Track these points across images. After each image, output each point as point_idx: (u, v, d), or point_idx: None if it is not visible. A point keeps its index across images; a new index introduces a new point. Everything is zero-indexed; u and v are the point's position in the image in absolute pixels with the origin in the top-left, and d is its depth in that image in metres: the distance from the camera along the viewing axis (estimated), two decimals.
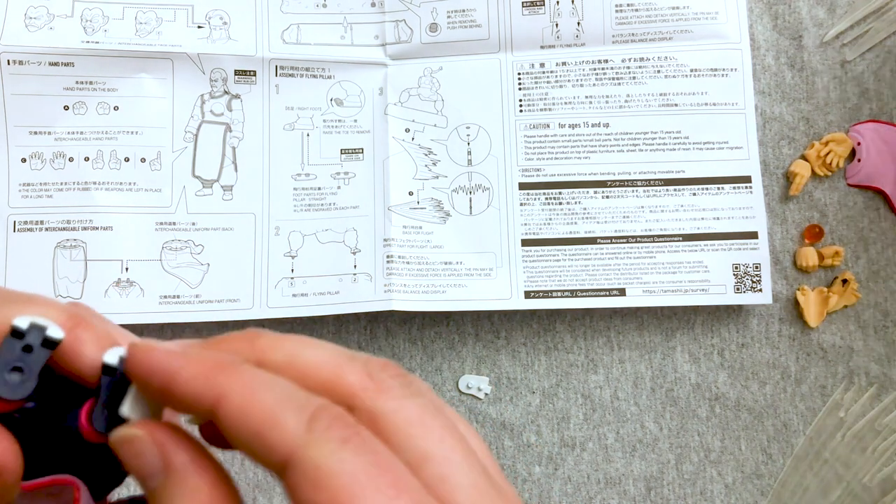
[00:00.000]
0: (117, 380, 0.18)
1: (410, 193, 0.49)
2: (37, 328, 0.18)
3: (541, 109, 0.49)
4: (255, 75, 0.48)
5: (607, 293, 0.47)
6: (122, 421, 0.18)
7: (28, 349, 0.18)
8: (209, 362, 0.17)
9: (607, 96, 0.49)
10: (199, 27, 0.48)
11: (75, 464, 0.19)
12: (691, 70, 0.48)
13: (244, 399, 0.16)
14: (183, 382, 0.17)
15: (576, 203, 0.48)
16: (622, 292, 0.47)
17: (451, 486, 0.16)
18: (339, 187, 0.49)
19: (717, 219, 0.48)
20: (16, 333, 0.18)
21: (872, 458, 0.47)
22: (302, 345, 0.18)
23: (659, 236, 0.48)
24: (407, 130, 0.49)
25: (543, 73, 0.49)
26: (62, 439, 0.19)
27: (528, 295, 0.47)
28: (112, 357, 0.18)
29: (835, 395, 0.48)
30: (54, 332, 0.18)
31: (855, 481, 0.47)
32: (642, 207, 0.48)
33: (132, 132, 0.48)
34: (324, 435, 0.16)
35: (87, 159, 0.47)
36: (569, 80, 0.49)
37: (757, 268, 0.47)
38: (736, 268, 0.47)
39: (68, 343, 0.19)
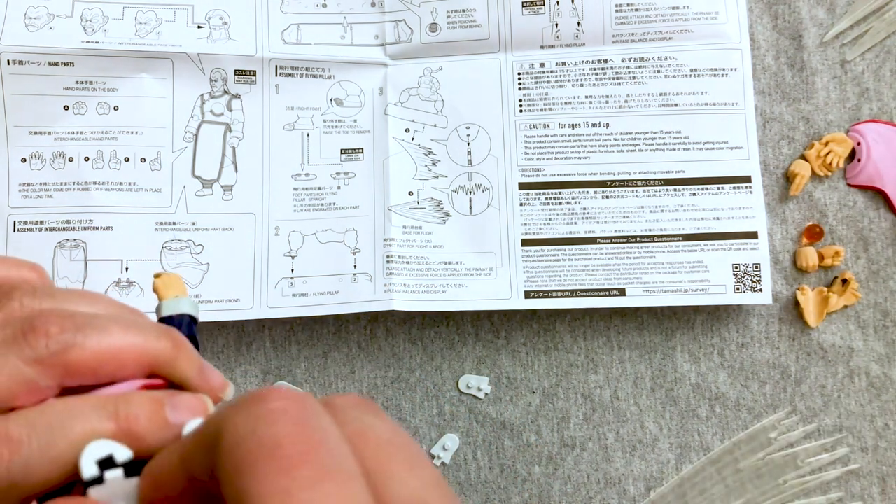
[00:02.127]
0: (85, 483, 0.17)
1: (410, 193, 0.49)
2: (105, 462, 0.17)
3: (541, 109, 0.49)
4: (255, 75, 0.48)
5: (607, 293, 0.47)
6: None
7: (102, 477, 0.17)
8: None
9: (607, 96, 0.49)
10: (199, 27, 0.48)
11: None
12: (691, 70, 0.48)
13: None
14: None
15: (576, 203, 0.48)
16: (622, 292, 0.47)
17: None
18: (339, 187, 0.49)
19: (717, 219, 0.48)
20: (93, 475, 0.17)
21: (782, 489, 0.47)
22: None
23: (659, 236, 0.48)
24: (407, 130, 0.49)
25: (543, 73, 0.49)
26: None
27: (528, 295, 0.47)
28: (89, 465, 0.17)
29: (774, 417, 0.48)
30: (122, 456, 0.17)
31: (756, 502, 0.47)
32: (642, 207, 0.48)
33: (132, 132, 0.48)
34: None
35: (87, 159, 0.47)
36: (569, 80, 0.49)
37: (757, 268, 0.47)
38: (736, 268, 0.47)
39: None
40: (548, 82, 0.49)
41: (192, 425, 0.18)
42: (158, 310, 0.20)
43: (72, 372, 0.18)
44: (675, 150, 0.48)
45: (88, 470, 0.17)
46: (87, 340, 0.19)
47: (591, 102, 0.49)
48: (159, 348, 0.20)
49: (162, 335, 0.21)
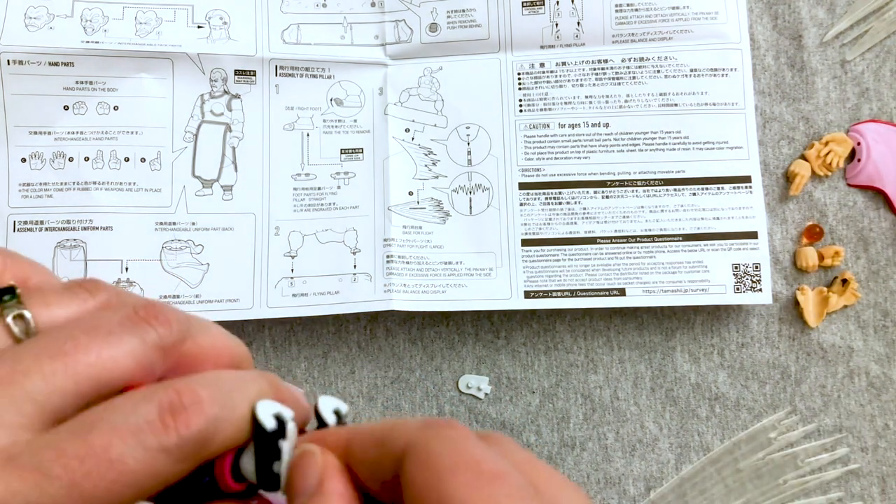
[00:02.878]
0: (269, 434, 0.18)
1: (410, 193, 0.49)
2: (280, 419, 0.19)
3: (541, 109, 0.49)
4: (254, 75, 0.48)
5: (607, 293, 0.47)
6: (269, 473, 0.18)
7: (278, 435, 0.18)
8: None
9: (607, 96, 0.49)
10: (199, 27, 0.48)
11: None
12: (691, 70, 0.48)
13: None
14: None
15: (576, 203, 0.48)
16: (622, 292, 0.47)
17: None
18: (339, 187, 0.49)
19: (717, 219, 0.48)
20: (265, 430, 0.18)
21: (782, 489, 0.47)
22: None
23: (659, 236, 0.48)
24: (407, 130, 0.49)
25: (543, 73, 0.49)
26: (198, 491, 0.18)
27: (528, 295, 0.47)
28: (269, 420, 0.18)
29: (774, 417, 0.48)
30: (287, 415, 0.19)
31: (755, 502, 0.47)
32: (642, 207, 0.48)
33: (132, 132, 0.48)
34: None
35: (87, 159, 0.47)
36: (569, 80, 0.49)
37: (757, 268, 0.47)
38: (736, 268, 0.47)
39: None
40: (548, 82, 0.49)
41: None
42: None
43: (182, 362, 0.19)
44: (675, 150, 0.48)
45: (269, 423, 0.18)
46: (199, 335, 0.20)
47: (591, 102, 0.49)
48: (243, 352, 0.22)
49: (240, 342, 0.22)
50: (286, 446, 0.18)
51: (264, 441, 0.18)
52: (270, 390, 0.20)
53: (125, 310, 0.19)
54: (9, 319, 0.18)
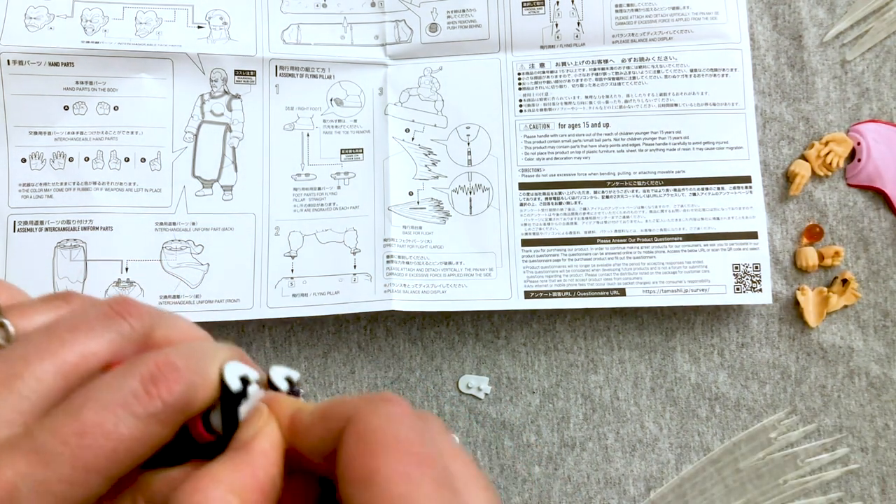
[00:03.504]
0: (234, 394, 0.20)
1: (410, 193, 0.49)
2: (244, 380, 0.20)
3: (541, 109, 0.49)
4: (255, 75, 0.48)
5: (607, 293, 0.47)
6: (233, 428, 0.20)
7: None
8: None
9: (607, 96, 0.49)
10: (199, 27, 0.48)
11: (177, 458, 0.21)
12: (691, 70, 0.48)
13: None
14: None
15: (576, 203, 0.48)
16: (622, 292, 0.47)
17: None
18: (339, 187, 0.49)
19: (717, 219, 0.48)
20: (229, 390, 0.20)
21: (782, 489, 0.47)
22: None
23: (659, 236, 0.48)
24: (407, 130, 0.49)
25: (543, 73, 0.49)
26: (175, 443, 0.20)
27: (528, 295, 0.47)
28: (234, 382, 0.20)
29: (774, 417, 0.48)
30: (253, 376, 0.20)
31: (755, 502, 0.47)
32: (642, 207, 0.48)
33: (132, 132, 0.48)
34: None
35: (87, 159, 0.47)
36: (569, 80, 0.49)
37: (757, 268, 0.47)
38: (736, 268, 0.47)
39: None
40: (548, 82, 0.49)
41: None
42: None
43: (153, 349, 0.21)
44: (675, 150, 0.48)
45: (234, 384, 0.20)
46: (167, 326, 0.22)
47: (591, 102, 0.49)
48: (207, 339, 0.23)
49: (206, 333, 0.24)
50: (244, 407, 0.20)
51: (229, 400, 0.20)
52: (238, 357, 0.21)
53: (100, 307, 0.20)
54: None
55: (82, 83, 0.47)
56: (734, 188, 0.48)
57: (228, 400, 0.20)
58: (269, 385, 0.22)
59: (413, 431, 0.18)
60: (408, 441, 0.18)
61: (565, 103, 0.49)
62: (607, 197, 0.48)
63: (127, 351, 0.20)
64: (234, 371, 0.20)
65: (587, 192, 0.48)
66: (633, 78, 0.49)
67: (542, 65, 0.49)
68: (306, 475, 0.21)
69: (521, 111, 0.49)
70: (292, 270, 0.47)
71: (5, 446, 0.17)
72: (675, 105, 0.48)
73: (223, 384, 0.20)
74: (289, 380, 0.22)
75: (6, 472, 0.17)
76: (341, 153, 0.49)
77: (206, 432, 0.20)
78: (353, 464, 0.17)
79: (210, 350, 0.20)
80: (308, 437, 0.20)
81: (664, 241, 0.48)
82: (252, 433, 0.19)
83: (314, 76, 0.49)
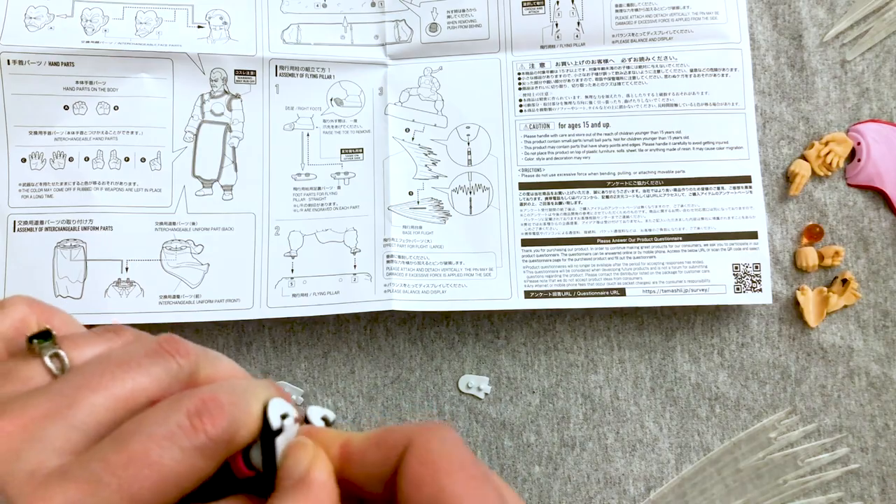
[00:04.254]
0: (274, 431, 0.21)
1: (410, 193, 0.49)
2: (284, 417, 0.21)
3: (541, 109, 0.49)
4: (255, 75, 0.48)
5: (607, 293, 0.47)
6: (272, 464, 0.20)
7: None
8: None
9: (607, 96, 0.49)
10: (199, 27, 0.48)
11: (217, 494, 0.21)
12: (691, 70, 0.48)
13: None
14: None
15: (576, 203, 0.48)
16: (622, 292, 0.47)
17: None
18: (339, 187, 0.49)
19: (717, 219, 0.48)
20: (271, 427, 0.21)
21: (782, 489, 0.47)
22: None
23: (659, 236, 0.48)
24: (407, 130, 0.49)
25: (543, 72, 0.49)
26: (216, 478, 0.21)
27: (528, 295, 0.47)
28: (276, 419, 0.21)
29: (774, 417, 0.48)
30: (292, 413, 0.21)
31: (755, 502, 0.47)
32: (642, 207, 0.48)
33: (132, 132, 0.48)
34: None
35: (87, 159, 0.47)
36: (569, 80, 0.49)
37: (757, 268, 0.47)
38: (736, 268, 0.47)
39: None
40: (548, 82, 0.49)
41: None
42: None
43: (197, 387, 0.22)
44: (675, 150, 0.48)
45: (276, 422, 0.20)
46: (212, 365, 0.23)
47: (591, 102, 0.49)
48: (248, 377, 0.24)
49: (246, 372, 0.24)
50: (281, 439, 0.20)
51: (269, 436, 0.20)
52: (278, 394, 0.22)
53: (149, 344, 0.21)
54: (46, 358, 0.21)
55: (82, 83, 0.47)
56: (734, 188, 0.48)
57: (268, 436, 0.20)
58: (306, 422, 0.22)
59: (469, 454, 0.19)
60: (468, 462, 0.19)
61: (565, 103, 0.49)
62: (607, 197, 0.48)
63: (174, 388, 0.21)
64: (276, 408, 0.21)
65: (587, 191, 0.48)
66: (633, 78, 0.49)
67: (542, 65, 0.49)
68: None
69: (521, 111, 0.49)
70: (292, 270, 0.47)
71: (56, 474, 0.18)
72: (675, 105, 0.48)
73: (265, 421, 0.20)
74: (325, 419, 0.23)
75: (57, 499, 0.17)
76: (341, 153, 0.49)
77: (245, 468, 0.20)
78: (420, 485, 0.18)
79: (252, 388, 0.21)
80: (363, 465, 0.20)
81: (664, 241, 0.48)
82: (304, 466, 0.20)
83: (314, 76, 0.49)
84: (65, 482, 0.17)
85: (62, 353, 0.21)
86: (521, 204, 0.48)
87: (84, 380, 0.19)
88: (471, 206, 0.49)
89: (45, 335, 0.21)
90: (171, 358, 0.21)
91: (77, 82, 0.47)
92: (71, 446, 0.18)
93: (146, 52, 0.47)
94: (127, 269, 0.47)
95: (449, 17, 0.49)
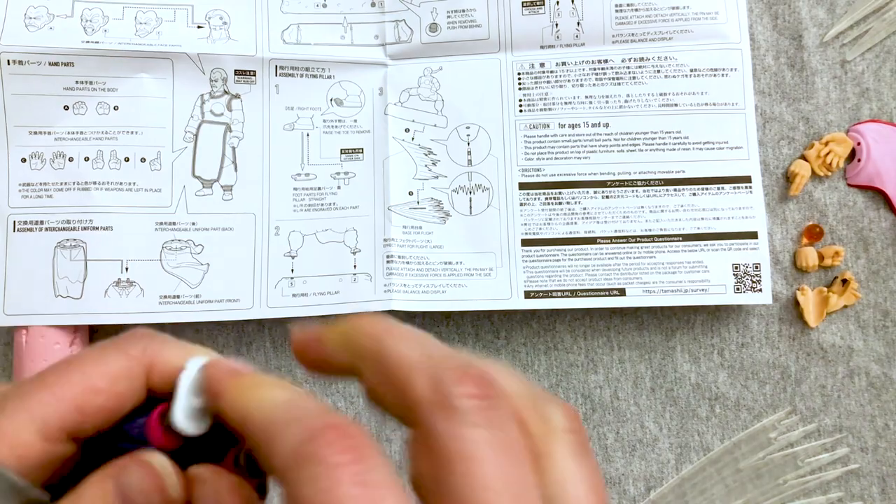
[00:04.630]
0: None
1: (410, 193, 0.49)
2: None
3: (541, 109, 0.49)
4: (255, 75, 0.48)
5: (607, 293, 0.47)
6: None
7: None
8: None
9: (607, 96, 0.49)
10: (199, 27, 0.48)
11: None
12: (691, 70, 0.48)
13: (243, 405, 0.18)
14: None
15: (576, 203, 0.48)
16: (622, 292, 0.47)
17: None
18: (339, 187, 0.49)
19: (717, 219, 0.48)
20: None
21: (782, 489, 0.47)
22: (394, 338, 0.19)
23: (659, 236, 0.48)
24: (407, 130, 0.49)
25: (543, 73, 0.49)
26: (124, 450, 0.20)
27: (528, 295, 0.47)
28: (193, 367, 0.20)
29: (774, 417, 0.48)
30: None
31: (755, 502, 0.47)
32: (642, 207, 0.48)
33: (132, 132, 0.48)
34: (315, 456, 0.16)
35: (87, 159, 0.47)
36: (569, 80, 0.49)
37: (757, 268, 0.47)
38: (736, 268, 0.47)
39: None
40: (548, 82, 0.49)
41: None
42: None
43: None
44: (675, 150, 0.48)
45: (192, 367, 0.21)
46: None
47: (591, 102, 0.49)
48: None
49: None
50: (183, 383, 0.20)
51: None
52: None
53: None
54: None
55: (82, 83, 0.47)
56: (734, 188, 0.48)
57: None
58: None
59: (358, 490, 0.18)
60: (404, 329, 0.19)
61: (565, 103, 0.49)
62: (607, 197, 0.48)
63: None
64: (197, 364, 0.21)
65: (587, 192, 0.48)
66: (633, 78, 0.49)
67: (542, 65, 0.49)
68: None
69: (521, 111, 0.49)
70: (292, 270, 0.47)
71: None
72: (675, 105, 0.48)
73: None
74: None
75: None
76: (341, 153, 0.49)
77: (163, 431, 0.20)
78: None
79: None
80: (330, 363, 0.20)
81: (664, 241, 0.48)
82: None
83: (314, 76, 0.49)
84: None
85: None
86: (521, 204, 0.48)
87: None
88: (471, 207, 0.49)
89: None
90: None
91: (77, 82, 0.47)
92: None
93: (146, 52, 0.47)
94: (127, 269, 0.47)
95: (449, 17, 0.49)
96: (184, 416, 0.20)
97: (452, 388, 0.17)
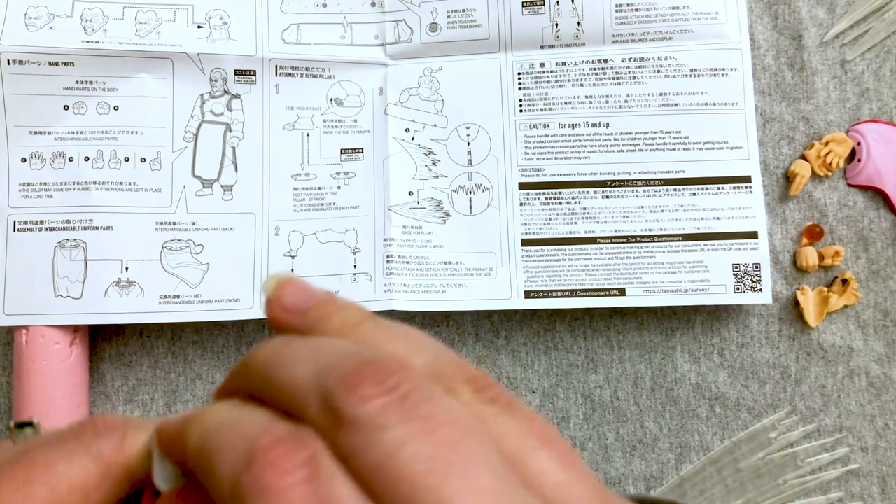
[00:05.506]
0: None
1: (410, 193, 0.49)
2: None
3: (541, 109, 0.49)
4: (255, 75, 0.48)
5: (607, 293, 0.47)
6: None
7: None
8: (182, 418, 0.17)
9: (607, 96, 0.49)
10: (199, 27, 0.48)
11: None
12: (691, 70, 0.48)
13: (185, 443, 0.16)
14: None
15: (576, 203, 0.48)
16: (622, 292, 0.47)
17: None
18: (339, 187, 0.49)
19: (717, 219, 0.48)
20: None
21: (782, 489, 0.47)
22: (283, 363, 0.16)
23: (659, 236, 0.48)
24: (407, 130, 0.49)
25: (543, 73, 0.49)
26: None
27: (528, 295, 0.47)
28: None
29: (774, 417, 0.48)
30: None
31: (755, 502, 0.47)
32: (642, 207, 0.48)
33: (132, 132, 0.48)
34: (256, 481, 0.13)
35: (87, 159, 0.47)
36: (569, 80, 0.49)
37: (757, 268, 0.47)
38: (736, 268, 0.47)
39: None
40: (548, 82, 0.49)
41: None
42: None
43: None
44: (675, 150, 0.48)
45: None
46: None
47: (591, 102, 0.49)
48: None
49: None
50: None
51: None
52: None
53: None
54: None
55: (82, 83, 0.47)
56: (734, 188, 0.48)
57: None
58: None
59: None
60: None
61: (565, 103, 0.49)
62: (607, 197, 0.48)
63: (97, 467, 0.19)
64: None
65: (587, 191, 0.48)
66: (633, 78, 0.49)
67: (542, 65, 0.49)
68: None
69: (521, 111, 0.49)
70: (292, 270, 0.47)
71: None
72: (675, 105, 0.48)
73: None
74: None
75: None
76: (341, 153, 0.49)
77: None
78: None
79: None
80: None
81: (664, 241, 0.48)
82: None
83: (314, 76, 0.49)
84: None
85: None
86: (521, 204, 0.48)
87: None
88: (471, 206, 0.49)
89: (30, 424, 0.20)
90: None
91: (77, 82, 0.47)
92: None
93: (146, 52, 0.47)
94: (127, 269, 0.47)
95: (449, 17, 0.49)
96: (164, 481, 0.18)
97: (344, 400, 0.14)
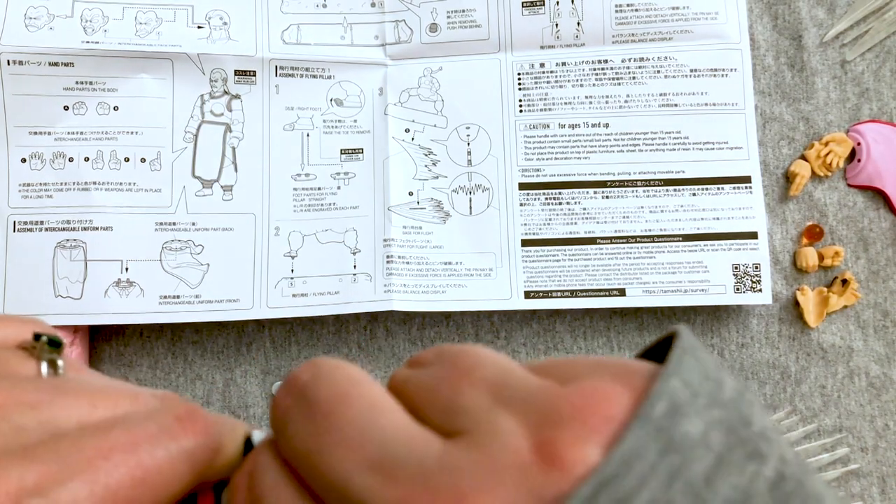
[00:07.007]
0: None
1: (410, 193, 0.49)
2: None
3: (541, 109, 0.49)
4: (254, 75, 0.48)
5: (607, 293, 0.47)
6: None
7: None
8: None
9: (607, 96, 0.49)
10: (199, 27, 0.48)
11: None
12: (691, 70, 0.48)
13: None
14: None
15: (576, 203, 0.48)
16: (622, 292, 0.47)
17: None
18: (339, 187, 0.49)
19: (717, 219, 0.48)
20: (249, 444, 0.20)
21: None
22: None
23: (659, 236, 0.48)
24: (407, 130, 0.49)
25: (543, 73, 0.49)
26: None
27: (528, 295, 0.47)
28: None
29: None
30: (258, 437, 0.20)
31: None
32: (642, 208, 0.48)
33: (132, 132, 0.48)
34: None
35: (87, 159, 0.47)
36: (569, 81, 0.49)
37: (757, 268, 0.47)
38: (736, 268, 0.47)
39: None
40: (548, 82, 0.49)
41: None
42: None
43: None
44: (675, 150, 0.48)
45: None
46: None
47: (591, 102, 0.49)
48: None
49: None
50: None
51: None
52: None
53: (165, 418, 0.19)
54: (43, 363, 0.19)
55: (82, 83, 0.47)
56: (734, 188, 0.48)
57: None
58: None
59: None
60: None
61: (565, 103, 0.49)
62: (607, 197, 0.48)
63: (193, 468, 0.19)
64: (259, 437, 0.20)
65: (587, 192, 0.48)
66: (633, 78, 0.49)
67: (542, 65, 0.49)
68: None
69: (521, 111, 0.49)
70: (292, 270, 0.47)
71: (18, 453, 0.15)
72: (675, 105, 0.48)
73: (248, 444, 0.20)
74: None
75: (13, 478, 0.15)
76: (341, 153, 0.49)
77: None
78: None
79: (235, 423, 0.20)
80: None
81: (664, 242, 0.48)
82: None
83: (314, 76, 0.49)
84: (27, 462, 0.15)
85: (60, 362, 0.19)
86: (521, 204, 0.48)
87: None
88: (471, 207, 0.49)
89: (54, 343, 0.19)
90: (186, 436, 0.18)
91: (77, 82, 0.47)
92: (40, 438, 0.16)
93: (146, 52, 0.47)
94: (127, 269, 0.47)
95: (449, 17, 0.49)
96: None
97: (278, 412, 0.18)
